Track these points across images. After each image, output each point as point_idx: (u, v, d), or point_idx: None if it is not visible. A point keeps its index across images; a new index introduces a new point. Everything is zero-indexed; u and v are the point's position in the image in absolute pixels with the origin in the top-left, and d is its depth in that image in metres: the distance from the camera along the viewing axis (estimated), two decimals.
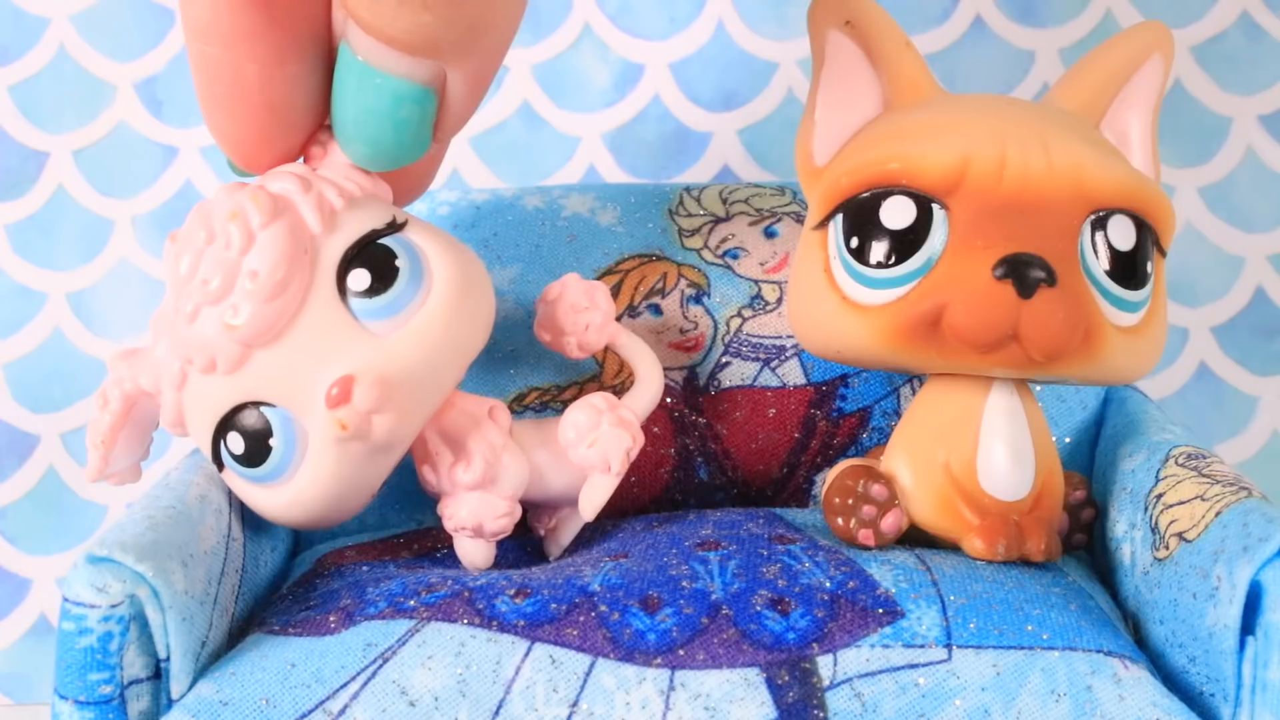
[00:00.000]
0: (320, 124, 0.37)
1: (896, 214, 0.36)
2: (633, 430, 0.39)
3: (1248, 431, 0.60)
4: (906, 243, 0.36)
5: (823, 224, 0.38)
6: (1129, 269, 0.36)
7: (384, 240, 0.36)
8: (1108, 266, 0.36)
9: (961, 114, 0.37)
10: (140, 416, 0.39)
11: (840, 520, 0.38)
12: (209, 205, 0.36)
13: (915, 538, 0.38)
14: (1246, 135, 0.60)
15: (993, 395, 0.37)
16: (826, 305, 0.37)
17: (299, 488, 0.36)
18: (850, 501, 0.38)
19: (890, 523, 0.38)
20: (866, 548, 0.38)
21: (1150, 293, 0.37)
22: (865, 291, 0.37)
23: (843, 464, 0.39)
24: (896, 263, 0.36)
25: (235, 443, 0.36)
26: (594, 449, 0.39)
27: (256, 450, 0.36)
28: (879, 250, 0.36)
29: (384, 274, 0.36)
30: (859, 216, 0.37)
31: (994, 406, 0.37)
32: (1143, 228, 0.37)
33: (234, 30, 0.34)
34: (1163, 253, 0.37)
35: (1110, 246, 0.36)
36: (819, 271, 0.38)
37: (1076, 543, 0.40)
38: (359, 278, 0.36)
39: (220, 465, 0.37)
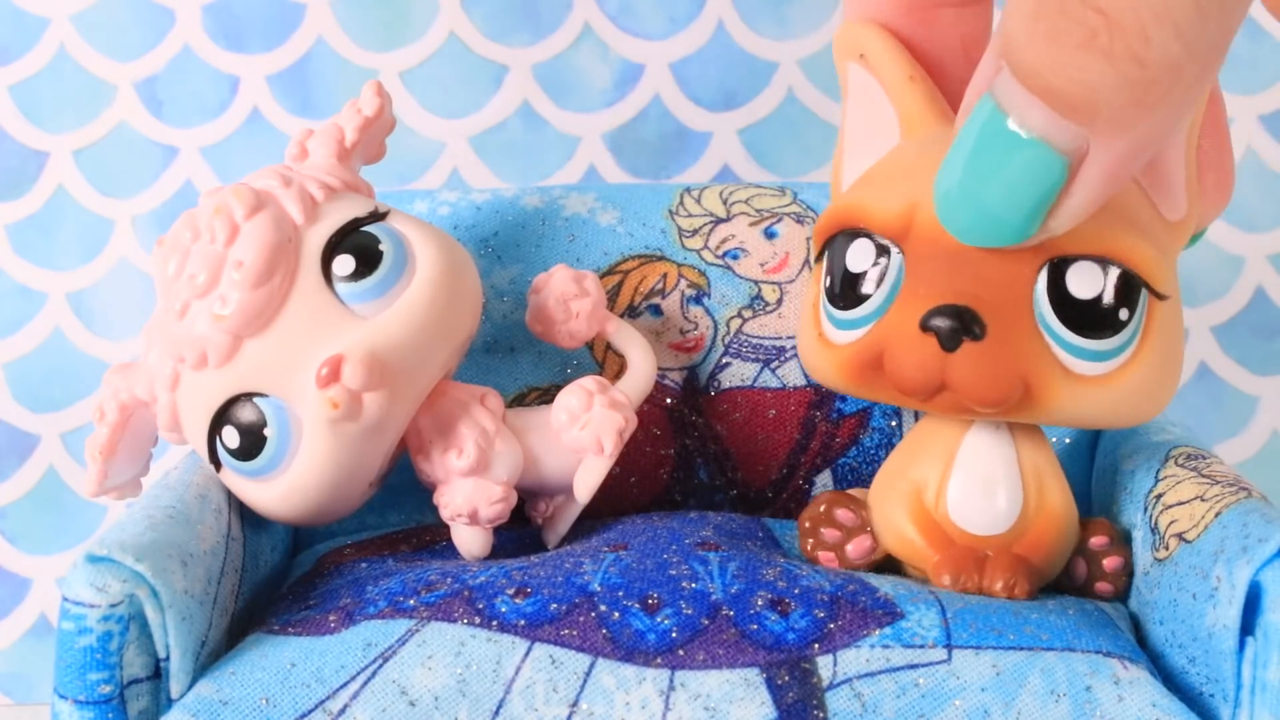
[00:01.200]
0: None
1: (859, 257, 0.36)
2: (625, 412, 0.39)
3: (1248, 431, 0.60)
4: (867, 286, 0.36)
5: (819, 259, 0.38)
6: (1091, 318, 0.34)
7: (367, 227, 0.37)
8: (1064, 315, 0.34)
9: (929, 157, 0.35)
10: (138, 428, 0.39)
11: (807, 543, 0.38)
12: (194, 209, 0.37)
13: (894, 570, 0.38)
14: (1246, 135, 0.60)
15: (973, 429, 0.37)
16: (809, 338, 0.38)
17: (296, 477, 0.37)
18: (816, 525, 0.38)
19: (857, 548, 0.38)
20: None
21: (1130, 339, 0.35)
22: (834, 331, 0.37)
23: (823, 493, 0.39)
24: (858, 304, 0.36)
25: (230, 437, 0.36)
26: (586, 431, 0.39)
27: (252, 443, 0.36)
28: (844, 292, 0.36)
29: (368, 258, 0.37)
30: (834, 258, 0.37)
31: (973, 440, 0.37)
32: (1117, 275, 0.34)
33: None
34: (1159, 295, 0.35)
35: (1068, 294, 0.34)
36: (810, 306, 0.38)
37: (1100, 591, 0.38)
38: (344, 263, 0.37)
39: (218, 465, 0.37)
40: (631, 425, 0.40)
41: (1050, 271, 0.34)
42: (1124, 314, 0.34)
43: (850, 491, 0.39)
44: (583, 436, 0.39)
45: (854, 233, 0.36)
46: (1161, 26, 0.27)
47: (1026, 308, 0.34)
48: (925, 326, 0.34)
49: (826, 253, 0.38)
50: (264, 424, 0.36)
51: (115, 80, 0.60)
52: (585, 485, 0.40)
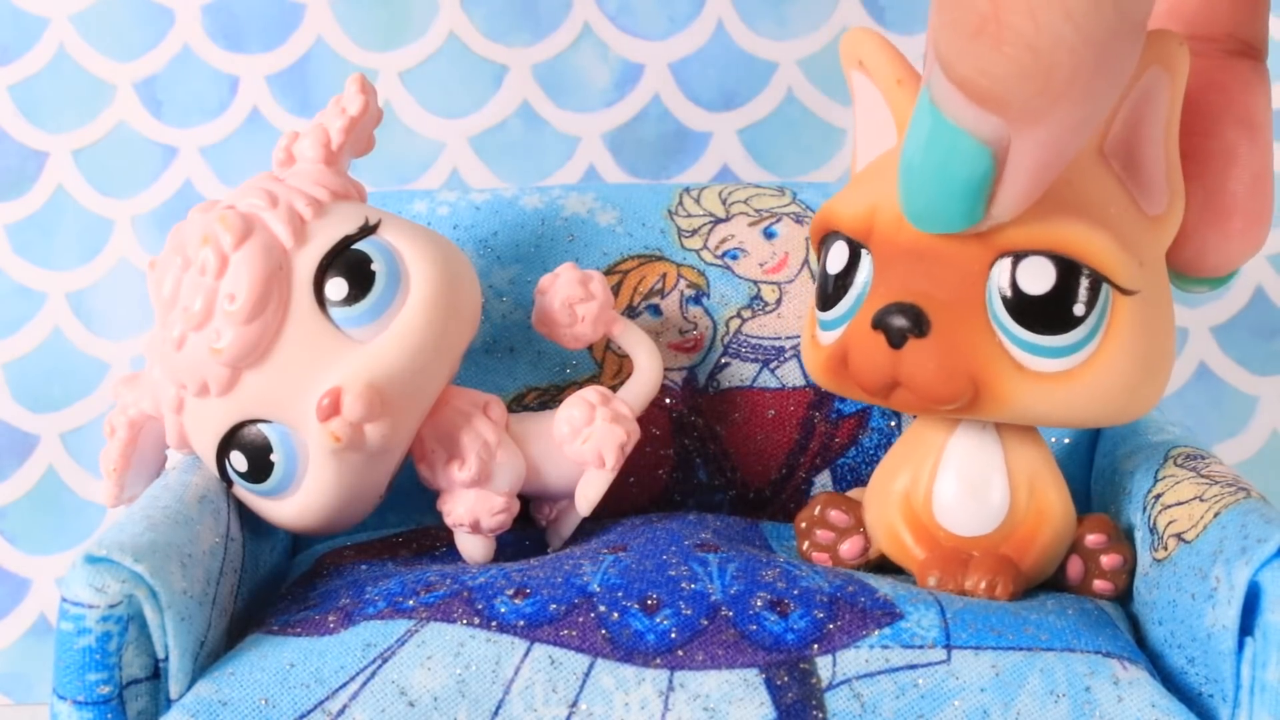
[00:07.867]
0: None
1: (836, 259, 0.37)
2: (627, 425, 0.39)
3: (1247, 431, 0.60)
4: (842, 287, 0.37)
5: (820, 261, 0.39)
6: (1044, 314, 0.34)
7: (358, 246, 0.36)
8: (1016, 311, 0.34)
9: (892, 159, 0.35)
10: (149, 439, 0.39)
11: (804, 544, 0.39)
12: (183, 229, 0.36)
13: (891, 571, 0.38)
14: None
15: (958, 431, 0.37)
16: (806, 339, 0.39)
17: (306, 498, 0.37)
18: (811, 526, 0.39)
19: (850, 548, 0.38)
20: None
21: (1089, 335, 0.34)
22: (821, 332, 0.38)
23: (820, 494, 0.40)
24: (836, 305, 0.37)
25: (238, 461, 0.36)
26: (588, 445, 0.39)
27: (260, 467, 0.36)
28: (825, 294, 0.37)
29: (360, 280, 0.36)
30: (821, 260, 0.38)
31: (957, 441, 0.37)
32: (1070, 269, 0.34)
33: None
34: (1124, 290, 0.34)
35: (1020, 290, 0.34)
36: (810, 308, 0.39)
37: (1099, 590, 0.37)
38: (336, 287, 0.36)
39: (229, 482, 0.37)
40: (634, 438, 0.40)
41: (1002, 268, 0.34)
42: (1079, 309, 0.34)
43: (848, 493, 0.40)
44: (584, 450, 0.39)
45: (835, 235, 0.37)
46: (1049, 9, 0.26)
47: (979, 304, 0.34)
48: (875, 325, 0.34)
49: (821, 255, 0.38)
50: (270, 449, 0.36)
51: (115, 80, 0.60)
52: (586, 498, 0.40)
